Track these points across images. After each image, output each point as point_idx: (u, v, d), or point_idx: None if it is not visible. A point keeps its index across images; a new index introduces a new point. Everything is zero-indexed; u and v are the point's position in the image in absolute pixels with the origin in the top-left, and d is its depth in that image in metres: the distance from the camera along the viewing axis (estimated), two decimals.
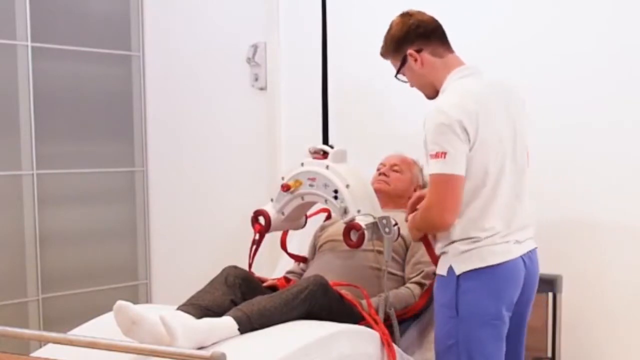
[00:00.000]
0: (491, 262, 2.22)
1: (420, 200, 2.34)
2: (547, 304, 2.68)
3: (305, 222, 2.79)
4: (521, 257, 2.28)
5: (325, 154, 2.60)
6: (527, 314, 2.41)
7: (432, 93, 2.35)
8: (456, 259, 2.24)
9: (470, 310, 2.23)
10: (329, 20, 3.42)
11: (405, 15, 2.36)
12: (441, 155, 2.15)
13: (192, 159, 4.03)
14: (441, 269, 2.29)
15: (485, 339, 2.25)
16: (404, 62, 2.35)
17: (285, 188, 2.58)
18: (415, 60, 2.32)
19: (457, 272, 2.23)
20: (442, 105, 2.20)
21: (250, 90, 3.72)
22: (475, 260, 2.22)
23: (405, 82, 2.41)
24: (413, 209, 2.37)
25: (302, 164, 2.61)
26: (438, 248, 2.32)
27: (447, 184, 2.17)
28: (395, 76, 2.40)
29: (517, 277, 2.28)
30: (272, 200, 2.65)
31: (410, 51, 2.32)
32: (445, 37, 2.35)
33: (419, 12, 2.37)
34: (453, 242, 2.25)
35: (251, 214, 2.64)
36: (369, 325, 2.37)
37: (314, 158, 2.62)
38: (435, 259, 2.52)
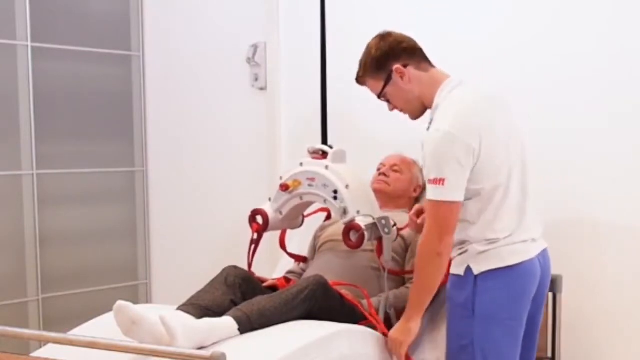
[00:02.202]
0: (510, 262, 2.21)
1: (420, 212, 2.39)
2: (547, 304, 2.68)
3: (303, 221, 2.79)
4: (537, 256, 2.28)
5: (324, 154, 2.59)
6: (540, 315, 2.40)
7: (419, 110, 2.31)
8: (475, 258, 2.23)
9: (487, 310, 2.22)
10: (328, 20, 3.42)
11: (384, 35, 2.31)
12: (440, 181, 2.12)
13: (192, 159, 4.03)
14: (457, 269, 2.27)
15: (501, 340, 2.24)
16: (388, 80, 2.27)
17: (284, 188, 2.57)
18: (402, 76, 2.26)
19: (476, 272, 2.22)
20: (443, 125, 2.14)
21: (250, 90, 3.72)
22: (494, 261, 2.21)
23: (387, 101, 2.33)
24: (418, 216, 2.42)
25: (301, 164, 2.60)
26: (453, 250, 2.28)
27: (445, 210, 2.16)
28: (379, 97, 2.32)
29: (534, 276, 2.28)
30: (269, 199, 2.65)
31: (396, 66, 2.25)
32: (425, 53, 2.31)
33: (397, 32, 2.31)
34: (470, 243, 2.24)
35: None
36: (369, 325, 2.37)
37: (313, 158, 2.61)
38: None
